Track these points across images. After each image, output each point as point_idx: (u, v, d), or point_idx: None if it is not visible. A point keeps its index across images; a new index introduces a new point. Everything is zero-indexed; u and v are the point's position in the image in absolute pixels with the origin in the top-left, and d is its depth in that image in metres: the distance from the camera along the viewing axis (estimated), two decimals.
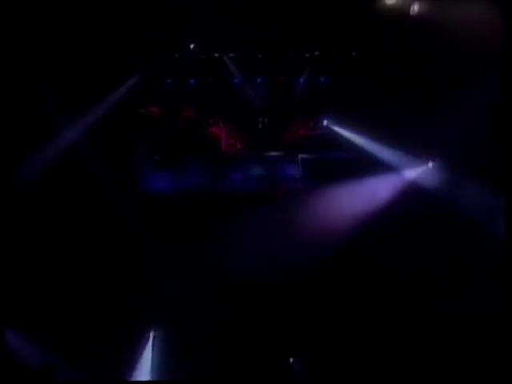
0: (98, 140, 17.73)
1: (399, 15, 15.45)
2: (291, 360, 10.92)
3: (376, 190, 16.33)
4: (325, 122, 21.72)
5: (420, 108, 16.53)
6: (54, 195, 15.73)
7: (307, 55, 21.49)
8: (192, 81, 21.73)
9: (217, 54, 21.06)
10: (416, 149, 17.00)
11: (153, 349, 12.96)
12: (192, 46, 20.06)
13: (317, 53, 21.24)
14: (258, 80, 22.41)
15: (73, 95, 17.28)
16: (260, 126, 22.19)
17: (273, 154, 21.81)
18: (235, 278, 13.87)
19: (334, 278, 14.04)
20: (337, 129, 21.25)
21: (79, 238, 15.03)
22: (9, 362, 11.06)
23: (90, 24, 16.84)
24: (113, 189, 16.95)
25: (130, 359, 13.36)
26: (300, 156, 21.22)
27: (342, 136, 21.14)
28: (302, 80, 22.44)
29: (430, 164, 17.08)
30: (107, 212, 16.31)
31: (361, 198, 16.13)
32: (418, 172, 17.16)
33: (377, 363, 12.09)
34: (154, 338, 13.66)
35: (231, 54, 21.21)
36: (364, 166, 19.13)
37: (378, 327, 13.82)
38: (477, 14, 12.89)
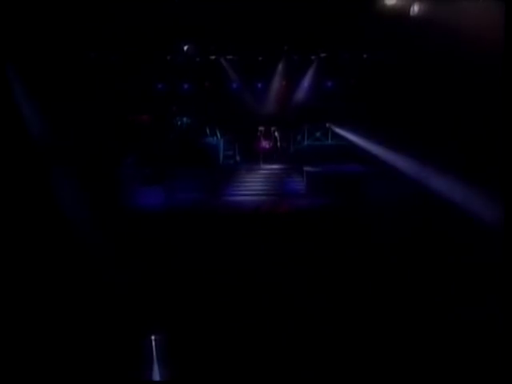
0: (79, 149, 17.27)
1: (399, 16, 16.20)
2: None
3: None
4: (331, 130, 22.85)
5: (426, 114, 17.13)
6: (29, 211, 15.14)
7: (313, 57, 21.66)
8: (186, 86, 22.18)
9: (213, 57, 21.05)
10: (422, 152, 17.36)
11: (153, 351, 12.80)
12: (186, 48, 19.97)
13: (323, 54, 21.36)
14: (259, 85, 22.88)
15: (53, 97, 16.80)
16: (261, 135, 22.53)
17: (275, 166, 22.03)
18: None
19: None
20: (343, 135, 21.86)
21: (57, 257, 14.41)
22: None
23: (72, 22, 16.42)
24: (97, 205, 16.13)
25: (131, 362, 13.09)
26: (305, 169, 21.12)
27: (350, 147, 21.42)
28: (306, 84, 22.93)
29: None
30: (90, 231, 15.46)
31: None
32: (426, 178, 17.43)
33: (377, 365, 12.14)
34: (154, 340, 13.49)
35: (229, 57, 21.21)
36: (372, 179, 19.42)
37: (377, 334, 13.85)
38: (477, 13, 13.55)
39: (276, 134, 22.70)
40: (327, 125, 22.92)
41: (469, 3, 13.63)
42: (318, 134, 23.53)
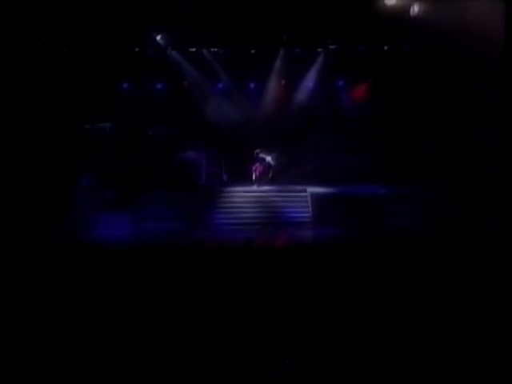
0: (22, 164, 17.01)
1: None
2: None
3: None
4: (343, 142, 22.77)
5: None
6: None
7: (320, 49, 21.88)
8: (159, 85, 22.23)
9: (193, 49, 21.17)
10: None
11: None
12: (159, 38, 20.08)
13: (333, 46, 21.55)
14: (252, 85, 22.91)
15: None
16: (256, 148, 22.29)
17: (271, 188, 21.88)
18: None
19: None
20: (357, 148, 22.06)
21: None
22: None
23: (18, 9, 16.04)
24: (44, 238, 15.65)
25: None
26: (310, 191, 20.95)
27: (367, 163, 21.51)
28: (311, 84, 23.11)
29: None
30: (38, 270, 15.29)
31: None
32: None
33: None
34: None
35: (214, 49, 21.32)
36: (395, 204, 19.65)
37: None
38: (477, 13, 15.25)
39: (274, 146, 22.46)
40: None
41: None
42: (326, 147, 23.54)
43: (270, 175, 22.42)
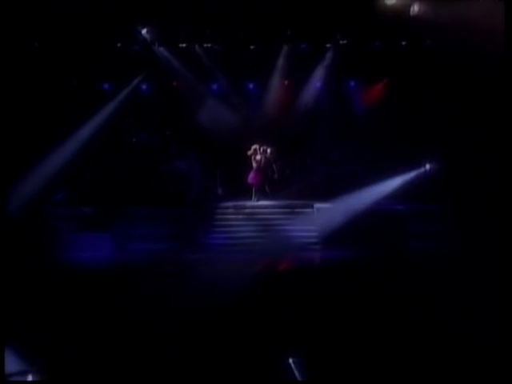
0: None
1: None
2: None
3: None
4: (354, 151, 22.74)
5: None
6: None
7: (328, 45, 21.75)
8: (144, 86, 22.18)
9: (184, 44, 21.11)
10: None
11: None
12: (144, 32, 20.14)
13: (344, 41, 21.46)
14: (251, 86, 22.86)
15: None
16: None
17: (273, 203, 21.75)
18: None
19: None
20: (371, 158, 21.91)
21: None
22: None
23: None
24: (13, 260, 15.39)
25: None
26: (317, 207, 20.80)
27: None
28: (318, 84, 23.09)
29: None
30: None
31: None
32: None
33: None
34: None
35: (207, 45, 21.27)
36: (415, 223, 19.76)
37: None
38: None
39: (274, 156, 22.18)
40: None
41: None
42: (335, 156, 23.57)
43: (275, 175, 22.32)
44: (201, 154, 22.85)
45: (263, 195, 21.99)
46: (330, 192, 21.24)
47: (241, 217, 21.06)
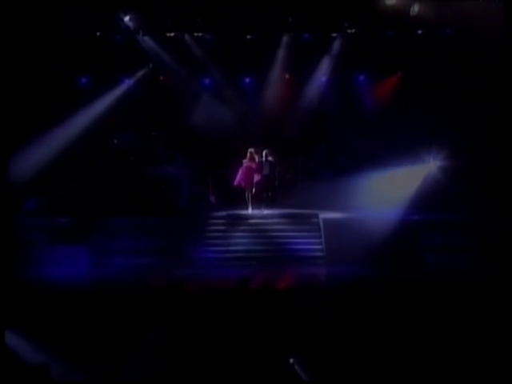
0: None
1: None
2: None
3: None
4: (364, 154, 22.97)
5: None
6: None
7: (334, 35, 21.83)
8: (127, 81, 22.28)
9: (172, 34, 21.15)
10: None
11: None
12: (127, 19, 20.16)
13: (351, 30, 21.46)
14: (247, 80, 23.04)
15: None
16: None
17: (273, 212, 21.62)
18: None
19: None
20: (383, 161, 21.76)
21: None
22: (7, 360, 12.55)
23: None
24: None
25: None
26: (322, 217, 20.67)
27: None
28: (323, 79, 23.27)
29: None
30: None
31: None
32: None
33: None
34: None
35: (198, 34, 21.40)
36: (435, 234, 19.75)
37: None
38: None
39: (273, 159, 21.81)
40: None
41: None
42: (342, 160, 23.55)
43: (272, 194, 22.02)
44: (191, 158, 22.86)
45: (263, 202, 21.77)
46: (337, 200, 21.28)
47: (235, 228, 20.95)
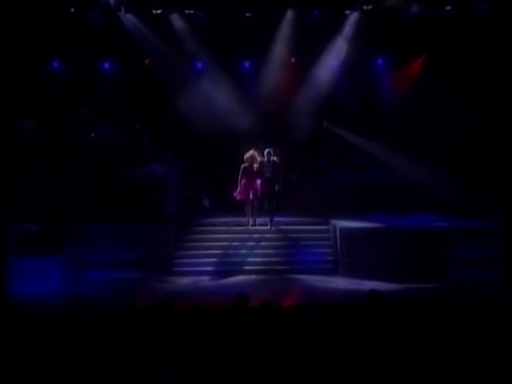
0: None
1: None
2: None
3: None
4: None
5: None
6: None
7: (348, 11, 21.75)
8: (106, 65, 22.40)
9: (158, 11, 21.16)
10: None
11: None
12: None
13: (368, 6, 21.44)
14: (246, 64, 23.08)
15: None
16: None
17: (276, 219, 21.41)
18: None
19: None
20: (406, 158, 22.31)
21: None
22: None
23: None
24: None
25: None
26: (334, 224, 20.47)
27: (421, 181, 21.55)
28: (335, 62, 23.19)
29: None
30: None
31: None
32: None
33: None
34: None
35: (189, 11, 21.44)
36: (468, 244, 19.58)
37: None
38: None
39: (278, 160, 21.48)
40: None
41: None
42: (356, 158, 23.49)
43: (275, 199, 21.53)
44: (181, 155, 22.80)
45: (264, 208, 21.43)
46: (350, 204, 21.50)
47: (233, 236, 20.87)
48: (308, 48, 22.46)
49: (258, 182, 21.18)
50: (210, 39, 21.85)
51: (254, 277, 19.43)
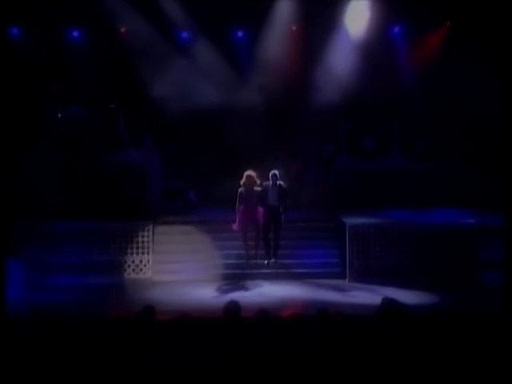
0: None
1: None
2: None
3: None
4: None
5: None
6: None
7: None
8: (76, 33, 22.09)
9: None
10: None
11: None
12: None
13: None
14: (239, 34, 22.79)
15: None
16: (246, 149, 21.81)
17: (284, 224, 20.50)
18: None
19: None
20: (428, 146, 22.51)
21: None
22: None
23: None
24: None
25: None
26: (345, 222, 20.09)
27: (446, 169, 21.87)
28: (344, 37, 22.89)
29: None
30: None
31: None
32: None
33: None
34: None
35: None
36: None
37: None
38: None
39: (284, 184, 20.37)
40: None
41: None
42: (369, 143, 23.45)
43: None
44: (163, 140, 22.82)
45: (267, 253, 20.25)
46: (362, 198, 21.52)
47: (223, 234, 20.51)
48: (312, 15, 22.16)
49: (260, 210, 20.28)
50: (197, 3, 21.48)
51: (247, 281, 19.36)
